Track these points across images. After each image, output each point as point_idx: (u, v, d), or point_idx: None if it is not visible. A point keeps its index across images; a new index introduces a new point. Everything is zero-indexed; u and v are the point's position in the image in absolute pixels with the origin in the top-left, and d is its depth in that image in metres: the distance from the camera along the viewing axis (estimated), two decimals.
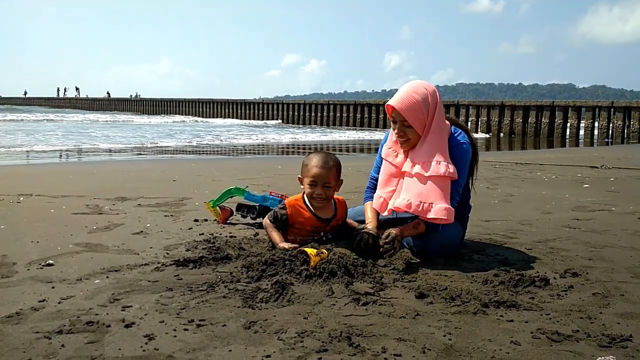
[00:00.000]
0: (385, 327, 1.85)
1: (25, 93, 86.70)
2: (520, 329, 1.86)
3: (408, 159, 2.76)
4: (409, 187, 2.69)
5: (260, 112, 37.57)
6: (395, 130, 2.76)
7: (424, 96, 2.69)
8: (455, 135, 2.79)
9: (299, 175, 2.92)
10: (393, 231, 2.62)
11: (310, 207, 2.85)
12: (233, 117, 39.09)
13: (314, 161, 2.83)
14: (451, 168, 2.65)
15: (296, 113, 34.17)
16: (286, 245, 2.70)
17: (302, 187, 2.91)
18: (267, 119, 35.86)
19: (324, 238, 2.83)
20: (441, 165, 2.64)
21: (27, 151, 11.23)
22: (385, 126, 28.86)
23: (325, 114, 32.30)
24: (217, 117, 40.65)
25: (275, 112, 36.64)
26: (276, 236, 2.80)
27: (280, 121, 34.33)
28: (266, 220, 2.90)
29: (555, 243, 3.17)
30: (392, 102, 2.73)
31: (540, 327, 1.86)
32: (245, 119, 37.68)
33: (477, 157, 2.92)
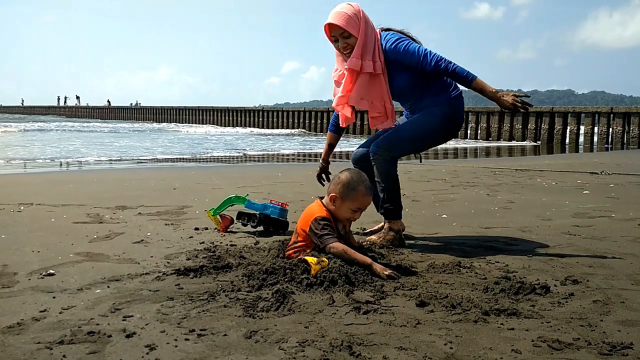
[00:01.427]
0: (386, 336, 1.85)
1: (22, 102, 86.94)
2: (521, 337, 1.86)
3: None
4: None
5: (268, 120, 37.44)
6: (340, 47, 3.16)
7: (352, 9, 3.13)
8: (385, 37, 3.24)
9: (334, 194, 2.71)
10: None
11: (335, 220, 2.76)
12: (239, 126, 38.90)
13: (363, 188, 2.70)
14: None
15: (313, 121, 33.74)
16: (388, 271, 2.47)
17: (331, 203, 2.72)
18: (277, 128, 35.80)
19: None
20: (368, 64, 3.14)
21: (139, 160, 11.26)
22: None
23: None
24: (219, 125, 40.48)
25: (279, 119, 36.67)
26: (364, 258, 2.53)
27: (304, 130, 33.32)
28: (339, 246, 2.56)
29: (555, 250, 3.17)
30: (330, 20, 3.11)
31: (541, 335, 1.86)
32: (254, 127, 37.43)
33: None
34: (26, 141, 18.22)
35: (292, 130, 32.40)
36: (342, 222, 2.80)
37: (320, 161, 3.73)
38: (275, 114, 37.05)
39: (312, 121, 33.36)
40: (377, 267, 2.50)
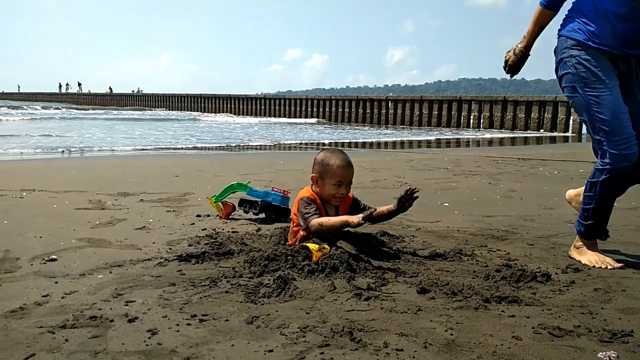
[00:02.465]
0: (387, 322, 1.85)
1: (19, 88, 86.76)
2: (522, 324, 1.86)
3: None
4: None
5: (273, 108, 37.27)
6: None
7: None
8: None
9: (314, 174, 2.78)
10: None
11: (323, 200, 2.79)
12: (244, 114, 38.60)
13: (338, 161, 2.75)
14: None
15: (330, 109, 33.23)
16: (360, 215, 2.54)
17: (313, 185, 2.80)
18: (276, 116, 35.68)
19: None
20: None
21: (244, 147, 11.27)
22: (392, 122, 28.85)
23: (352, 109, 31.61)
24: (223, 112, 40.28)
25: (280, 107, 36.58)
26: (340, 218, 2.62)
27: (317, 119, 31.63)
28: (314, 221, 2.62)
29: (557, 239, 3.17)
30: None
31: (542, 322, 1.87)
32: (259, 115, 37.11)
33: None
34: (48, 129, 17.53)
35: (308, 120, 31.17)
36: (332, 204, 2.81)
37: (521, 46, 2.85)
38: (289, 102, 36.41)
39: (328, 109, 32.60)
40: (353, 218, 2.56)
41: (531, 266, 2.54)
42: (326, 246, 2.50)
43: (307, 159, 7.90)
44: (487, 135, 19.73)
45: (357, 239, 2.75)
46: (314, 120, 30.58)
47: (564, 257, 2.76)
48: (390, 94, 35.50)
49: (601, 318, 1.93)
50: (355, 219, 2.53)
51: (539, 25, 2.76)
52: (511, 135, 20.21)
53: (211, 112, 41.21)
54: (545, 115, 23.77)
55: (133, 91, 65.01)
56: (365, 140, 15.92)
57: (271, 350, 1.64)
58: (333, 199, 2.78)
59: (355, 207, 2.91)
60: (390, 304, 2.02)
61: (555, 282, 2.31)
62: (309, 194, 2.79)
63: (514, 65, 2.88)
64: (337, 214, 2.80)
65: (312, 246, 2.46)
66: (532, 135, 20.88)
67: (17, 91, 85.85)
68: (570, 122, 23.22)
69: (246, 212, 3.70)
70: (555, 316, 1.93)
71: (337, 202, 2.81)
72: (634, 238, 3.19)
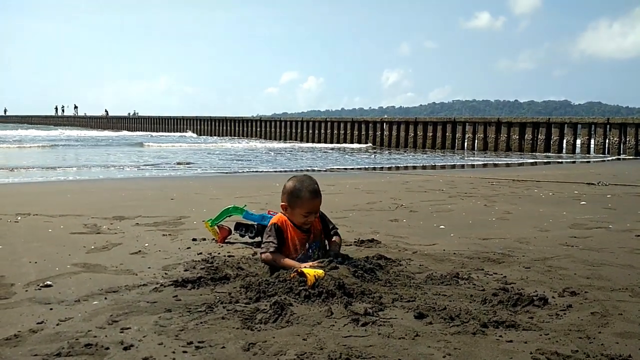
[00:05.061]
0: (384, 348, 1.84)
1: (5, 111, 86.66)
2: (520, 349, 1.85)
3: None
4: None
5: (270, 130, 37.30)
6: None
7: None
8: None
9: (283, 203, 2.90)
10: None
11: (294, 223, 2.91)
12: (241, 136, 38.48)
13: (307, 193, 2.84)
14: None
15: (314, 131, 33.16)
16: (308, 264, 2.63)
17: (284, 212, 2.92)
18: (275, 139, 35.68)
19: (309, 251, 2.87)
20: None
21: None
22: (386, 144, 28.96)
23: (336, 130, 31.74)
24: (221, 135, 40.10)
25: (276, 130, 36.66)
26: (291, 262, 2.73)
27: (312, 143, 30.39)
28: (267, 255, 2.79)
29: (553, 261, 3.17)
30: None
31: (540, 347, 1.86)
32: (259, 138, 37.01)
33: None
34: (71, 158, 15.95)
35: (303, 144, 29.60)
36: (305, 225, 2.89)
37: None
38: (284, 124, 35.97)
39: (324, 131, 32.62)
40: (302, 266, 2.60)
41: (528, 290, 2.54)
42: (320, 271, 2.50)
43: None
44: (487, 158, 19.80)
45: (353, 262, 2.75)
46: (309, 144, 30.21)
47: (561, 280, 2.76)
48: (385, 116, 35.68)
49: (599, 342, 1.92)
50: (303, 266, 2.58)
51: None
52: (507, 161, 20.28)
53: (210, 135, 41.19)
54: (539, 136, 23.95)
55: (129, 114, 65.14)
56: (364, 165, 15.95)
57: None
58: (303, 225, 2.90)
59: (323, 224, 3.03)
60: (388, 330, 2.01)
61: (552, 306, 2.31)
62: (278, 220, 2.91)
63: None
64: (308, 232, 2.91)
65: (307, 270, 2.46)
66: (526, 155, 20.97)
67: (3, 114, 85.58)
68: (564, 143, 23.39)
69: (242, 236, 3.69)
70: (552, 341, 1.93)
71: (307, 227, 2.92)
72: (630, 260, 3.19)
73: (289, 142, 32.09)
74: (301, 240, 2.89)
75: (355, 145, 28.17)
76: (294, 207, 2.86)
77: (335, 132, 31.83)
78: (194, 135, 41.79)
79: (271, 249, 2.79)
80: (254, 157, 17.78)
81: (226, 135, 39.67)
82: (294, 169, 12.94)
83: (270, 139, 35.76)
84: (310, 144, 29.90)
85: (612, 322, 2.14)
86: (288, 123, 35.89)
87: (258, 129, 37.93)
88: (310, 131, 33.53)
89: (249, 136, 37.94)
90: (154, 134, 44.00)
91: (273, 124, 37.28)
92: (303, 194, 2.84)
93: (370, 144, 29.09)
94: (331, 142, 30.93)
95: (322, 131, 32.55)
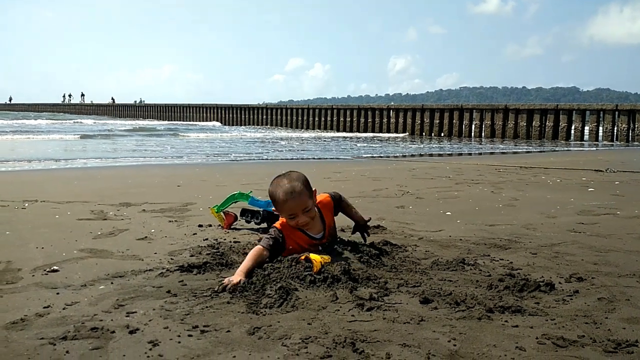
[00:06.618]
0: (389, 333, 1.84)
1: (10, 99, 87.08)
2: (526, 334, 1.85)
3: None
4: None
5: (275, 118, 37.21)
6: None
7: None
8: None
9: (273, 208, 2.81)
10: None
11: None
12: (241, 124, 38.39)
13: (280, 195, 2.64)
14: None
15: (321, 118, 33.17)
16: (237, 278, 2.32)
17: (281, 216, 2.76)
18: (273, 126, 35.65)
19: (320, 248, 2.77)
20: None
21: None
22: (393, 130, 28.88)
23: (347, 118, 31.55)
24: (246, 124, 39.23)
25: (282, 117, 36.61)
26: (246, 264, 2.44)
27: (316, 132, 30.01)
28: (258, 247, 2.57)
29: (560, 247, 3.15)
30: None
31: (546, 332, 1.85)
32: (256, 125, 36.97)
33: None
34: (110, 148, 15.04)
35: (303, 134, 28.04)
36: (306, 227, 2.71)
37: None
38: (290, 111, 35.46)
39: (330, 118, 32.58)
40: (238, 275, 2.35)
41: (534, 275, 2.53)
42: (327, 256, 2.50)
43: (307, 169, 7.92)
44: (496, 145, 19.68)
45: (359, 248, 2.74)
46: (313, 134, 29.61)
47: (568, 265, 2.75)
48: (392, 103, 35.49)
49: (605, 328, 1.91)
50: (237, 277, 2.33)
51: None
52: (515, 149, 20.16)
53: (201, 121, 40.92)
54: (547, 123, 23.78)
55: (135, 102, 65.22)
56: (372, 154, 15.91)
57: None
58: (304, 227, 2.71)
59: (337, 206, 2.96)
60: (393, 315, 2.01)
61: (559, 292, 2.30)
62: (280, 223, 2.74)
63: None
64: (324, 230, 2.82)
65: (314, 256, 2.46)
66: (534, 142, 20.84)
67: (8, 102, 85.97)
68: (572, 130, 23.23)
69: (248, 222, 3.70)
70: (559, 326, 1.92)
71: (306, 228, 2.73)
72: (637, 246, 3.17)
73: (293, 130, 31.91)
74: (310, 245, 2.72)
75: (371, 135, 27.59)
76: (279, 211, 2.70)
77: (342, 119, 31.72)
78: (218, 124, 40.09)
79: (269, 242, 2.61)
80: (318, 147, 16.91)
81: (250, 125, 38.39)
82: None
83: (298, 127, 34.33)
84: (335, 133, 28.68)
85: (619, 307, 2.12)
86: (294, 110, 35.79)
87: (284, 118, 36.48)
88: (317, 119, 33.40)
89: (273, 125, 36.73)
90: (175, 122, 42.73)
91: (279, 111, 37.17)
92: (277, 196, 2.66)
93: (407, 133, 27.80)
94: (337, 129, 30.82)
95: (329, 118, 32.44)
